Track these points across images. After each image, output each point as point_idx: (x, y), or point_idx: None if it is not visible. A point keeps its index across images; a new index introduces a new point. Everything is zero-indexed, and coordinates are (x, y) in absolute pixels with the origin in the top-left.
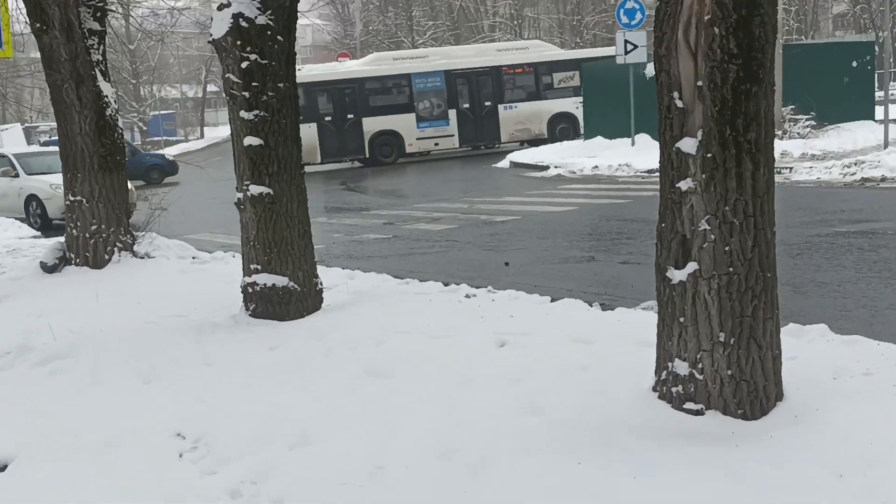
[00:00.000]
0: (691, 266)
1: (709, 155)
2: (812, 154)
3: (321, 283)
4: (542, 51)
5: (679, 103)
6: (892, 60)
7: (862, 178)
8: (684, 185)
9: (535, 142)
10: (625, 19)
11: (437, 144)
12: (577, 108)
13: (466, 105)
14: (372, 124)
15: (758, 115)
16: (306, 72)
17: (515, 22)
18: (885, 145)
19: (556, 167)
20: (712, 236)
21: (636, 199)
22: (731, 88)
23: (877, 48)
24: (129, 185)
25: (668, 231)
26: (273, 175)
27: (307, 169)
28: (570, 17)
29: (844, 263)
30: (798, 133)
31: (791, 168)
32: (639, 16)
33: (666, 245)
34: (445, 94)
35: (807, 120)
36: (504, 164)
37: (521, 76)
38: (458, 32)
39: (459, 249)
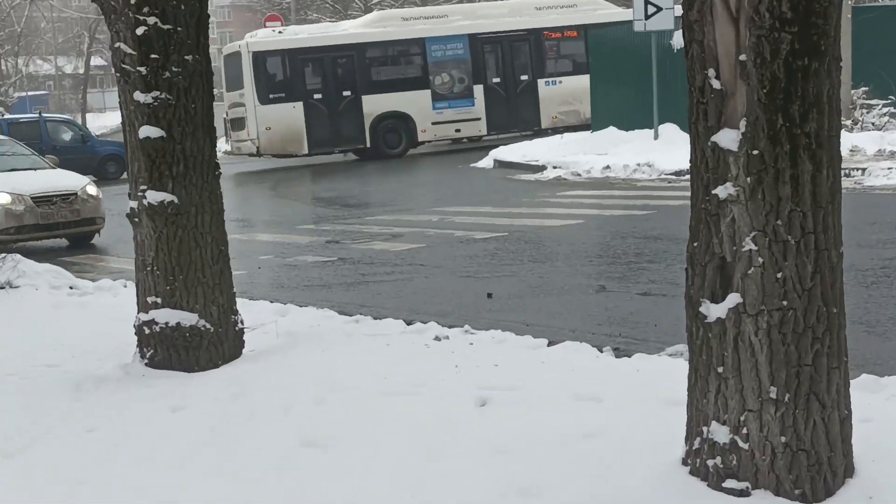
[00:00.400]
0: (733, 299)
1: (755, 152)
2: (891, 151)
3: (242, 322)
4: (594, 8)
5: (716, 84)
6: None
7: None
8: (723, 191)
9: (582, 127)
10: None
11: (458, 131)
12: None
13: (497, 79)
14: (374, 104)
15: (819, 100)
16: (289, 35)
17: None
18: None
19: (554, 167)
20: (760, 259)
21: (660, 210)
22: (783, 64)
23: None
24: (86, 181)
25: (701, 252)
26: (178, 178)
27: (290, 161)
28: None
29: None
30: (873, 123)
31: (864, 169)
32: None
33: (699, 271)
34: (470, 64)
35: (884, 106)
36: (486, 162)
37: (567, 42)
38: None
39: (427, 276)
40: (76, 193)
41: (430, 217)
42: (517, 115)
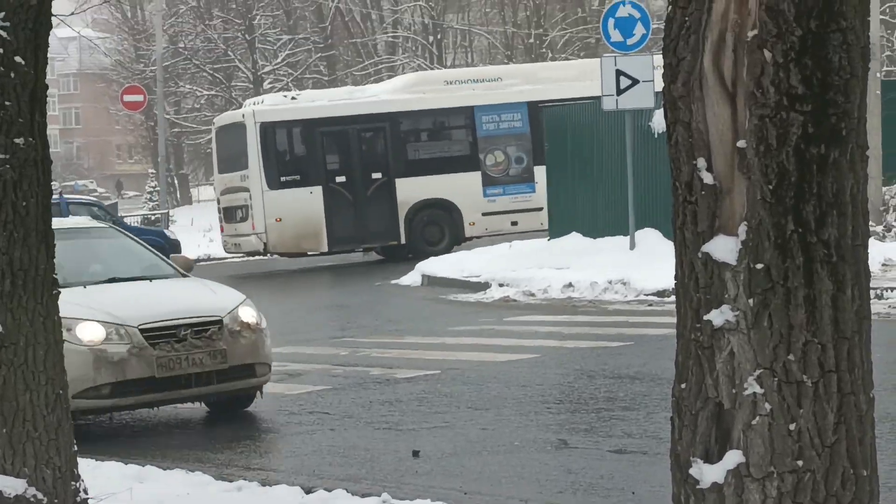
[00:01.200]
0: (733, 457)
1: (759, 266)
2: None
3: (86, 490)
4: None
5: (707, 177)
6: None
7: None
8: (718, 317)
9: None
10: (616, 35)
11: (515, 224)
12: None
13: None
14: (411, 189)
15: (840, 199)
16: (305, 102)
17: (432, 37)
18: None
19: (501, 285)
20: (767, 406)
21: (638, 342)
22: (794, 153)
23: None
24: (237, 300)
25: (691, 397)
26: (2, 298)
27: (307, 259)
28: (526, 31)
29: None
30: None
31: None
32: (640, 30)
33: (689, 421)
34: (530, 139)
35: None
36: (412, 278)
37: None
38: (332, 54)
39: (334, 428)
40: (221, 322)
41: (337, 350)
42: None
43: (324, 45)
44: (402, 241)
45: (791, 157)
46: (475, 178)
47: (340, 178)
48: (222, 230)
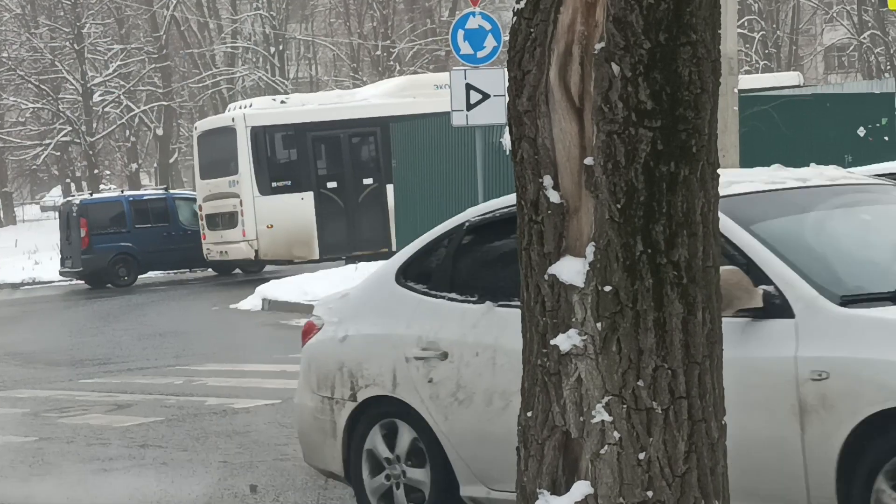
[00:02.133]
0: (581, 489)
1: (607, 288)
2: None
3: None
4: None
5: (553, 196)
6: None
7: None
8: (565, 341)
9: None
10: (466, 48)
11: None
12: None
13: None
14: None
15: (690, 219)
16: (295, 105)
17: (273, 49)
18: None
19: None
20: (616, 434)
21: None
22: (643, 171)
23: None
24: None
25: (537, 426)
26: None
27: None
28: (373, 43)
29: None
30: None
31: None
32: (491, 42)
33: (535, 451)
34: None
35: None
36: (252, 302)
37: None
38: (168, 65)
39: (167, 462)
40: None
41: (171, 379)
42: None
43: (158, 56)
44: (394, 248)
45: (640, 175)
46: None
47: (332, 184)
48: (205, 238)
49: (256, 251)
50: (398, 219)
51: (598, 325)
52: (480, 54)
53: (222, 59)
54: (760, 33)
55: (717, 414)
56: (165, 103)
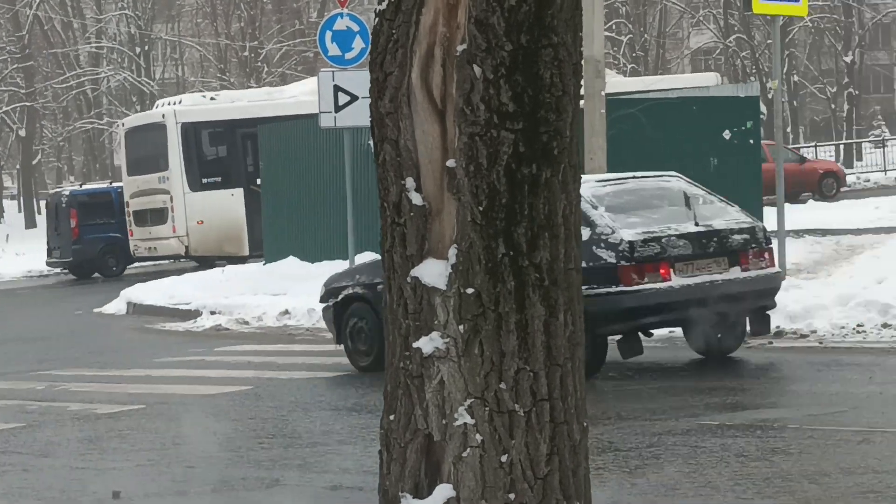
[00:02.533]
0: (443, 492)
1: (469, 291)
2: None
3: None
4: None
5: (416, 198)
6: (788, 131)
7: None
8: (428, 344)
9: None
10: (334, 49)
11: None
12: None
13: None
14: None
15: (552, 221)
16: (225, 102)
17: (139, 49)
18: (783, 276)
19: (213, 313)
20: (479, 437)
21: (356, 372)
22: (505, 173)
23: (763, 108)
24: None
25: (400, 429)
26: None
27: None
28: (240, 44)
29: (717, 482)
30: None
31: None
32: (359, 44)
33: (398, 454)
34: None
35: None
36: (117, 306)
37: None
38: (31, 65)
39: (28, 468)
40: None
41: (32, 384)
42: None
43: (21, 56)
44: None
45: (502, 178)
46: None
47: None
48: (132, 234)
49: (187, 247)
50: (266, 221)
51: (461, 327)
52: (348, 56)
53: (87, 60)
54: (628, 36)
55: (578, 416)
56: (28, 104)
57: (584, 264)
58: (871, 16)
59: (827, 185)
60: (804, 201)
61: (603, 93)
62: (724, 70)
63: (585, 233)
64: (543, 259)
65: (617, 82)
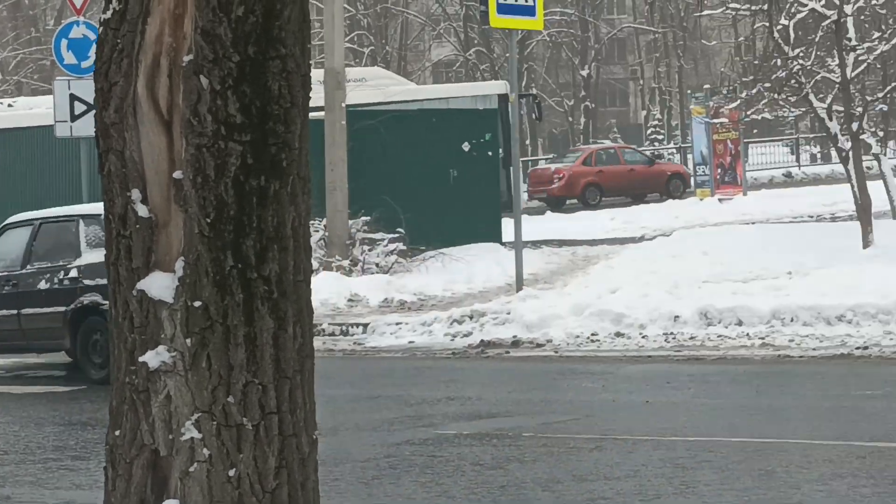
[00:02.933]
0: None
1: (197, 304)
2: (401, 300)
3: None
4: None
5: (142, 210)
6: (527, 143)
7: (482, 341)
8: (154, 358)
9: None
10: (70, 58)
11: None
12: None
13: None
14: None
15: (281, 234)
16: (22, 109)
17: None
18: (519, 286)
19: None
20: (206, 451)
21: (92, 387)
22: (233, 185)
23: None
24: None
25: (125, 444)
26: None
27: None
28: None
29: (453, 491)
30: (377, 265)
31: (365, 325)
32: (95, 52)
33: (123, 470)
34: None
35: (392, 241)
36: None
37: None
38: None
39: None
40: None
41: None
42: None
43: None
44: None
45: (230, 189)
46: None
47: None
48: None
49: None
50: None
51: (188, 340)
52: (84, 64)
53: None
54: (370, 48)
55: (307, 429)
56: None
57: None
58: (606, 31)
59: (674, 186)
60: (651, 202)
61: (343, 104)
62: (465, 83)
63: None
64: (272, 271)
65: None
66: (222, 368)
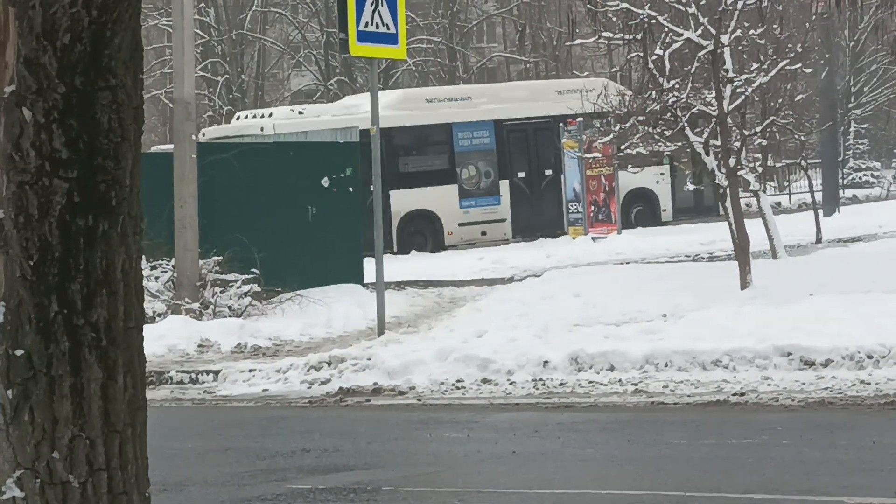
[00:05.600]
0: None
1: (19, 353)
2: (255, 346)
3: None
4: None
5: None
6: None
7: (341, 389)
8: None
9: None
10: None
11: (484, 234)
12: (659, 182)
13: (522, 174)
14: (402, 202)
15: (110, 277)
16: (310, 116)
17: None
18: (381, 330)
19: None
20: None
21: None
22: (58, 225)
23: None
24: None
25: None
26: None
27: None
28: None
29: None
30: (230, 307)
31: (216, 372)
32: None
33: None
34: (496, 156)
35: (245, 282)
36: None
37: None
38: None
39: None
40: None
41: None
42: (541, 215)
43: None
44: (395, 249)
45: (55, 230)
46: (453, 191)
47: None
48: None
49: None
50: None
51: (9, 392)
52: None
53: None
54: (224, 77)
55: (139, 486)
56: None
57: None
58: (475, 60)
59: None
60: (521, 240)
61: (193, 136)
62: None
63: None
64: (101, 317)
65: None
66: (46, 422)
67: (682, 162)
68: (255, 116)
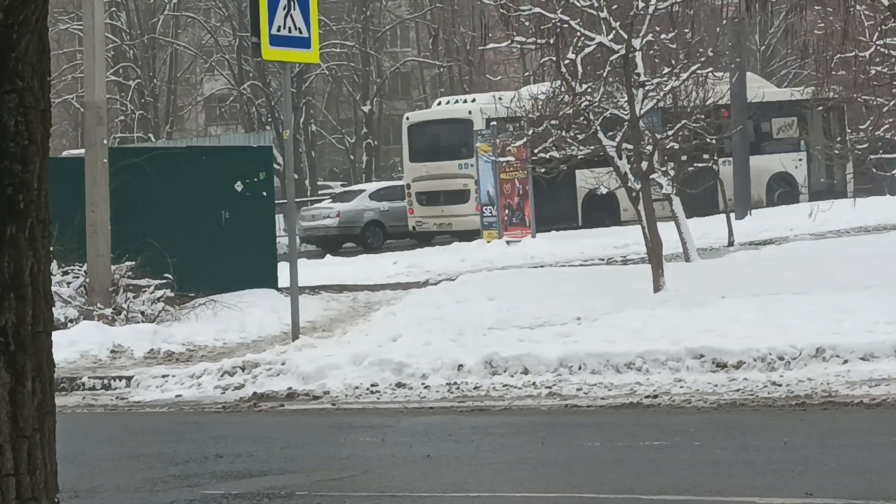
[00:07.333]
0: None
1: None
2: (168, 351)
3: None
4: (755, 85)
5: None
6: (307, 182)
7: (255, 394)
8: None
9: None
10: None
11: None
12: (797, 167)
13: None
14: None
15: (18, 281)
16: (488, 101)
17: None
18: (296, 335)
19: None
20: None
21: None
22: None
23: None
24: None
25: None
26: None
27: None
28: None
29: None
30: (143, 313)
31: (129, 378)
32: None
33: None
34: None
35: (158, 287)
36: None
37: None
38: None
39: None
40: None
41: None
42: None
43: None
44: (580, 223)
45: None
46: None
47: None
48: (412, 212)
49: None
50: None
51: None
52: None
53: None
54: (136, 81)
55: (48, 492)
56: None
57: None
58: (389, 64)
59: None
60: (437, 244)
61: (105, 141)
62: (239, 118)
63: None
64: (9, 322)
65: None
66: None
67: (816, 150)
68: (456, 102)
